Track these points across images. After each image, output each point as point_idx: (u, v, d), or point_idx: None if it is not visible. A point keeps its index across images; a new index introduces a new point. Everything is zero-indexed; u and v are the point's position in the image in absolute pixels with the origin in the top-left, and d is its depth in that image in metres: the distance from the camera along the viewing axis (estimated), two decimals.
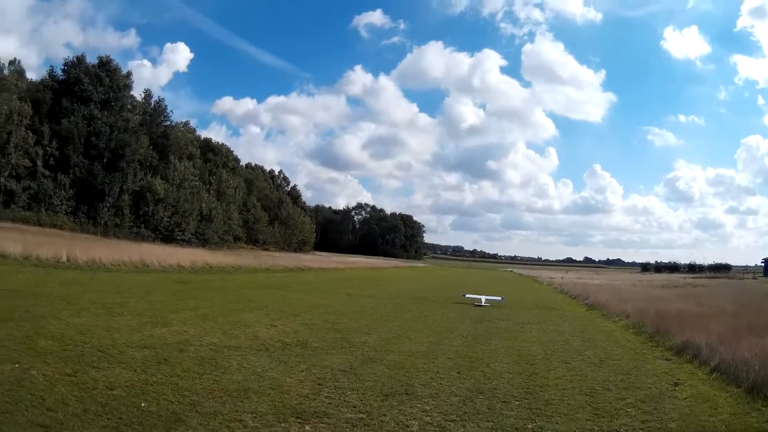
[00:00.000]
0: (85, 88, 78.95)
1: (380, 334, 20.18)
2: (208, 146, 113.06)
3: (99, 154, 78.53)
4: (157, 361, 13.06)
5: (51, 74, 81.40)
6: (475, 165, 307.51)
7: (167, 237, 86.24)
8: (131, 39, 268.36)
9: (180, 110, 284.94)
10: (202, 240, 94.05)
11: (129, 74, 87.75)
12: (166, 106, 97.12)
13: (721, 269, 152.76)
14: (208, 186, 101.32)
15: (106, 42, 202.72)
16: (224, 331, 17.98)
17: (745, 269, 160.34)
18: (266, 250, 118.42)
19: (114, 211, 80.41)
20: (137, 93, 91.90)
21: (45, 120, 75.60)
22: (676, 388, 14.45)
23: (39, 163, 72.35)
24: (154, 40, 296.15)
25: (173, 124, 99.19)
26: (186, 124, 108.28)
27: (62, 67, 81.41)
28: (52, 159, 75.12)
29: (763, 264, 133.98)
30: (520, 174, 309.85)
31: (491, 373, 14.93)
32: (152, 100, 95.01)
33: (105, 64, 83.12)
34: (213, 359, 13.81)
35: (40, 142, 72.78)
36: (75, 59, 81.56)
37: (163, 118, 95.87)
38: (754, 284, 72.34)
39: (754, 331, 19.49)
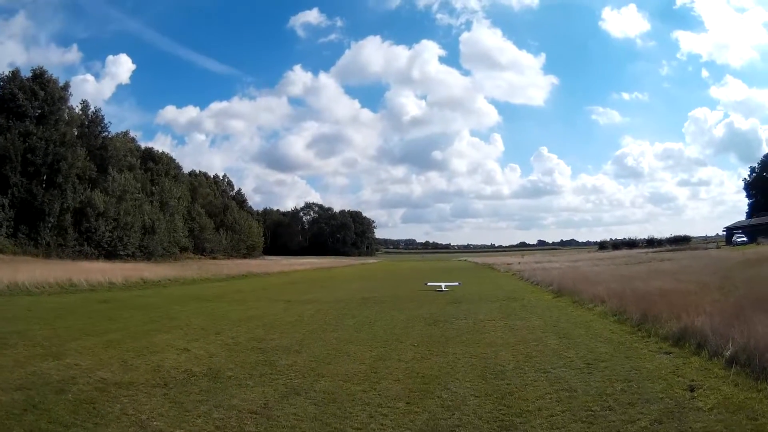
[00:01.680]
0: (20, 104, 75.32)
1: (313, 352, 16.95)
2: (149, 155, 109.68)
3: (36, 171, 74.72)
4: (24, 407, 10.86)
5: None
6: (420, 156, 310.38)
7: (110, 253, 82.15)
8: (73, 54, 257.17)
9: (125, 123, 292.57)
10: (146, 253, 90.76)
11: (66, 86, 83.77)
12: (103, 116, 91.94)
13: (680, 241, 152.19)
14: (150, 197, 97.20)
15: (49, 59, 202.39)
16: (124, 361, 15.37)
17: (705, 239, 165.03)
18: (214, 258, 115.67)
19: (56, 231, 76.55)
20: (77, 105, 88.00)
21: None
22: (694, 394, 11.25)
23: None
24: (96, 53, 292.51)
25: (111, 135, 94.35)
26: (125, 134, 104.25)
27: None
28: None
29: (724, 233, 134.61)
30: (466, 162, 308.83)
31: (451, 398, 11.57)
32: (89, 112, 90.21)
33: (39, 76, 79.12)
34: (93, 403, 11.31)
35: None
36: (10, 74, 77.82)
37: (101, 129, 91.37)
38: (721, 254, 70.46)
39: (762, 306, 16.77)
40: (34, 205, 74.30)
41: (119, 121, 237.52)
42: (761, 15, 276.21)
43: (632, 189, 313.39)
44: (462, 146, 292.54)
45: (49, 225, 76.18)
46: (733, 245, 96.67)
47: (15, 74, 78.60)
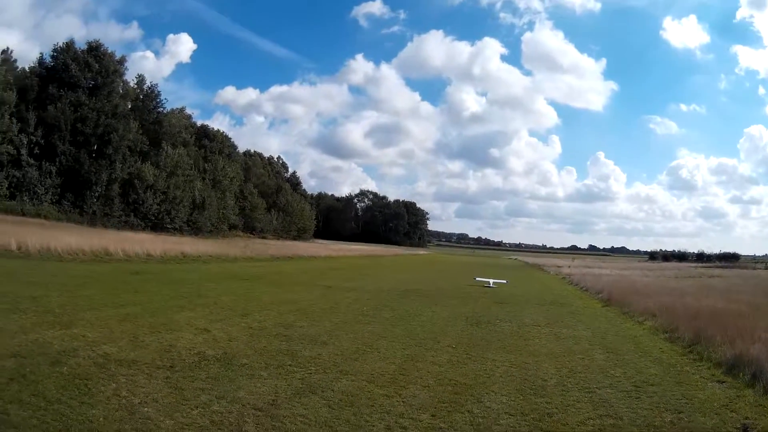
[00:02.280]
0: (73, 74, 74.73)
1: (341, 345, 15.97)
2: (204, 133, 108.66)
3: (86, 141, 74.59)
4: (11, 376, 10.13)
5: (40, 61, 77.37)
6: (478, 153, 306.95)
7: (156, 225, 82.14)
8: (134, 31, 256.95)
9: (183, 101, 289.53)
10: (194, 228, 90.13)
11: (122, 59, 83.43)
12: (159, 92, 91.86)
13: (729, 258, 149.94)
14: (202, 174, 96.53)
15: (108, 35, 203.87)
16: (135, 337, 14.51)
17: (754, 259, 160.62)
18: (263, 238, 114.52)
19: (103, 200, 76.15)
20: (132, 79, 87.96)
21: (31, 107, 70.31)
22: None
23: (24, 151, 68.37)
24: (156, 32, 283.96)
25: (167, 110, 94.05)
26: (181, 110, 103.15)
27: (50, 53, 77.32)
28: (37, 147, 69.93)
29: None
30: (523, 162, 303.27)
31: (482, 414, 10.49)
32: (145, 86, 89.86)
33: (94, 49, 78.61)
34: (87, 380, 10.49)
35: (25, 130, 68.69)
36: (64, 45, 77.31)
37: (155, 104, 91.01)
38: None
39: None
40: (81, 174, 74.25)
41: (178, 99, 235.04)
42: None
43: (684, 201, 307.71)
44: (520, 145, 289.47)
45: (96, 194, 76.09)
46: None
47: (69, 45, 78.30)
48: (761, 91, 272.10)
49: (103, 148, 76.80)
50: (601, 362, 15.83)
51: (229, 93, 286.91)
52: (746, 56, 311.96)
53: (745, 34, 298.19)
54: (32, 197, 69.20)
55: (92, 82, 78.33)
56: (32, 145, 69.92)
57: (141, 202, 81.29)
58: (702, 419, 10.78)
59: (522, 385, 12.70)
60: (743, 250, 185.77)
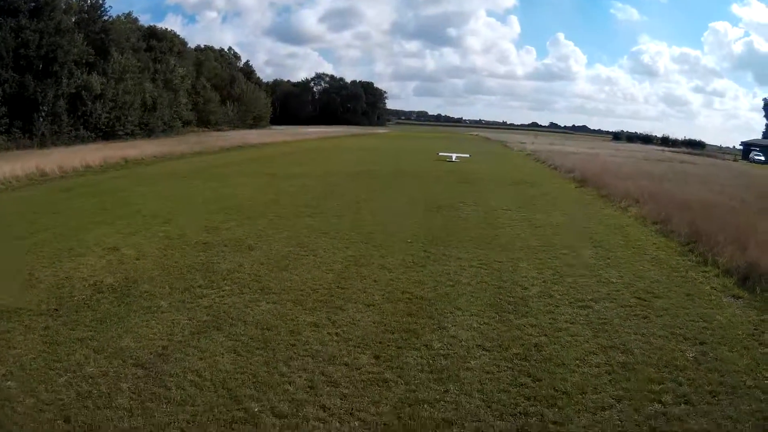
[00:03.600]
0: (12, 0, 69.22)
1: (270, 249, 13.35)
2: (152, 34, 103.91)
3: (29, 64, 69.89)
4: None
5: None
6: (435, 32, 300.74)
7: (108, 134, 77.17)
8: None
9: (134, 5, 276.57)
10: (146, 131, 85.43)
11: None
12: (103, 1, 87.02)
13: (695, 145, 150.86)
14: (153, 75, 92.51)
15: None
16: (31, 274, 11.74)
17: (720, 149, 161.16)
18: (219, 130, 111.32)
19: (51, 119, 71.59)
20: None
21: None
22: None
23: None
24: None
25: (112, 18, 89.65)
26: (128, 15, 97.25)
27: None
28: None
29: (741, 147, 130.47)
30: (481, 41, 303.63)
31: (445, 350, 7.89)
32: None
33: None
34: None
35: None
36: None
37: (100, 13, 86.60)
38: (742, 168, 67.71)
39: None
40: (25, 96, 70.00)
41: (128, 3, 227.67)
42: None
43: (647, 86, 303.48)
44: (477, 25, 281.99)
45: (43, 114, 72.04)
46: (750, 161, 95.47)
47: None
48: None
49: (48, 67, 72.20)
50: (589, 260, 13.20)
51: None
52: None
53: None
54: None
55: (33, 4, 72.98)
56: None
57: (90, 114, 77.04)
58: (730, 356, 8.12)
59: (496, 298, 10.07)
60: (707, 140, 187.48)
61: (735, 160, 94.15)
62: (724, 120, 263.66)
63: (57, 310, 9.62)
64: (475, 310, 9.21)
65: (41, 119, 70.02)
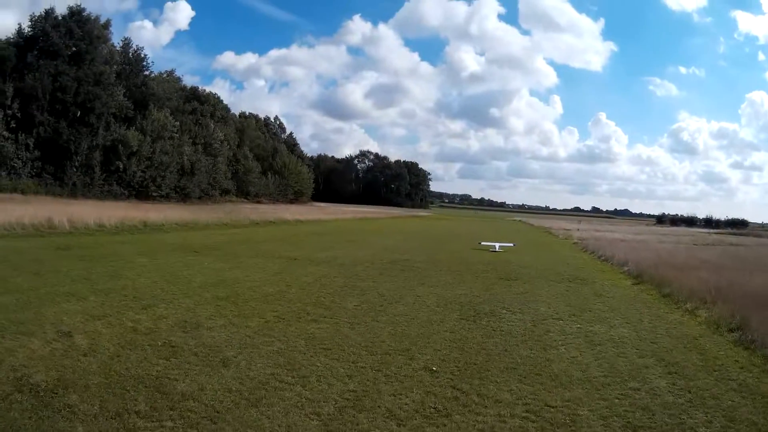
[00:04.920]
0: (53, 42, 71.14)
1: (250, 367, 10.43)
2: (194, 95, 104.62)
3: (65, 110, 71.57)
4: None
5: (19, 31, 73.22)
6: (478, 112, 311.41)
7: (141, 193, 78.82)
8: (131, 2, 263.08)
9: (183, 67, 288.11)
10: (182, 195, 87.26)
11: (107, 24, 79.60)
12: (145, 55, 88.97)
13: (738, 225, 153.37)
14: (193, 138, 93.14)
15: (104, 7, 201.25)
16: None
17: (762, 226, 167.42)
18: (258, 202, 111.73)
19: (84, 170, 72.77)
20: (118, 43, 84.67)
21: (9, 79, 66.59)
22: None
23: None
24: (154, 1, 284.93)
25: (153, 73, 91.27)
26: (170, 73, 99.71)
27: (28, 22, 73.35)
28: (13, 120, 66.07)
29: None
30: (523, 121, 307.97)
31: None
32: (130, 50, 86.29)
33: (76, 14, 74.35)
34: None
35: (2, 103, 65.26)
36: (43, 13, 73.51)
37: (141, 68, 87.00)
38: None
39: None
40: (59, 144, 70.23)
41: (178, 66, 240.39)
42: None
43: (686, 165, 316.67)
44: (520, 105, 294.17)
45: (76, 164, 72.14)
46: None
47: (48, 13, 73.66)
48: (761, 57, 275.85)
49: (84, 117, 72.73)
50: (667, 397, 10.14)
51: (228, 58, 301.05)
52: (745, 21, 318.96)
53: (744, 0, 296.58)
54: (10, 172, 65.60)
55: (74, 49, 74.09)
56: (8, 119, 66.24)
57: (124, 170, 77.15)
58: None
59: None
60: (746, 216, 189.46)
61: None
62: (762, 194, 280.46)
63: None
64: None
65: (74, 168, 70.41)
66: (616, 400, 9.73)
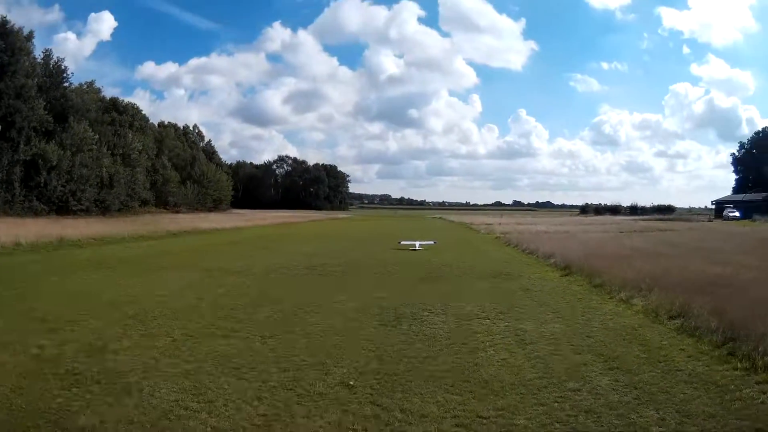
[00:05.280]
0: None
1: (153, 394, 9.29)
2: (113, 106, 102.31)
3: None
4: None
5: None
6: (397, 114, 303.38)
7: (62, 208, 76.41)
8: (55, 14, 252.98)
9: (105, 78, 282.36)
10: (102, 208, 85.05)
11: (30, 35, 77.05)
12: (66, 67, 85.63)
13: (664, 210, 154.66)
14: (112, 149, 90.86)
15: (30, 20, 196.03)
16: None
17: (690, 211, 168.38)
18: (177, 212, 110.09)
19: (5, 186, 70.35)
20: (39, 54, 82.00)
21: None
22: None
23: None
24: (78, 13, 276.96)
25: (74, 85, 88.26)
26: (90, 84, 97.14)
27: None
28: None
29: (713, 206, 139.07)
30: (443, 121, 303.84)
31: None
32: (51, 62, 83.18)
33: None
34: None
35: None
36: None
37: (62, 79, 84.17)
38: (722, 227, 68.99)
39: None
40: None
41: (100, 76, 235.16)
42: None
43: (609, 156, 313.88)
44: (439, 105, 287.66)
45: None
46: (725, 219, 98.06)
47: None
48: (686, 50, 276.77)
49: (5, 131, 70.75)
50: (611, 396, 9.25)
51: (148, 68, 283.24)
52: (670, 17, 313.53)
53: None
54: None
55: None
56: None
57: (44, 185, 74.91)
58: None
59: None
60: (673, 203, 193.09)
61: (710, 220, 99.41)
62: (688, 181, 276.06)
63: None
64: None
65: None
66: (556, 404, 8.82)
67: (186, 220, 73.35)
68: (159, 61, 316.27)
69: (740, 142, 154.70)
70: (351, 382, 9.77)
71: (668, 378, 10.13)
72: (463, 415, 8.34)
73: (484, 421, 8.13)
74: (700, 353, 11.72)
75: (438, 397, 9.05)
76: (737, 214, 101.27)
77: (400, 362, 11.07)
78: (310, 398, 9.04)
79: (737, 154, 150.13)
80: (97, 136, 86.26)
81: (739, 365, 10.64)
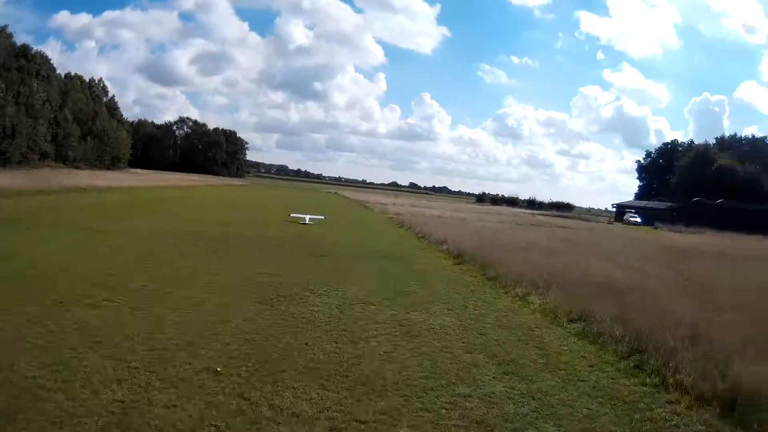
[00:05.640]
0: None
1: (12, 371, 8.15)
2: (23, 53, 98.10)
3: None
4: None
5: None
6: (301, 85, 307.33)
7: None
8: None
9: (20, 24, 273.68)
10: (1, 160, 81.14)
11: None
12: None
13: (563, 207, 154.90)
14: (16, 97, 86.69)
15: None
16: None
17: (589, 211, 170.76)
18: (76, 168, 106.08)
19: None
20: None
21: None
22: None
23: None
24: None
25: None
26: (2, 30, 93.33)
27: None
28: None
29: (614, 209, 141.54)
30: (346, 96, 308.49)
31: None
32: None
33: None
34: None
35: None
36: None
37: None
38: (624, 232, 66.80)
39: None
40: None
41: (15, 21, 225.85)
42: (672, 15, 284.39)
43: (510, 148, 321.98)
44: (344, 81, 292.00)
45: None
46: (626, 223, 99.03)
47: None
48: (601, 56, 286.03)
49: None
50: (507, 407, 8.45)
51: (63, 17, 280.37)
52: (589, 22, 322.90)
53: (591, 1, 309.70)
54: None
55: None
56: None
57: None
58: None
59: None
60: (571, 201, 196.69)
61: (610, 222, 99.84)
62: (590, 182, 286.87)
63: None
64: None
65: None
66: (444, 411, 7.98)
67: (83, 177, 71.08)
68: (74, 11, 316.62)
69: (647, 150, 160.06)
70: (218, 369, 8.78)
71: (570, 389, 9.45)
72: (339, 417, 7.47)
73: (362, 426, 7.28)
74: (604, 363, 11.11)
75: (312, 394, 8.17)
76: (638, 219, 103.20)
77: (274, 348, 10.14)
78: (172, 384, 8.05)
79: (643, 162, 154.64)
80: (4, 84, 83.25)
81: (648, 380, 10.09)
